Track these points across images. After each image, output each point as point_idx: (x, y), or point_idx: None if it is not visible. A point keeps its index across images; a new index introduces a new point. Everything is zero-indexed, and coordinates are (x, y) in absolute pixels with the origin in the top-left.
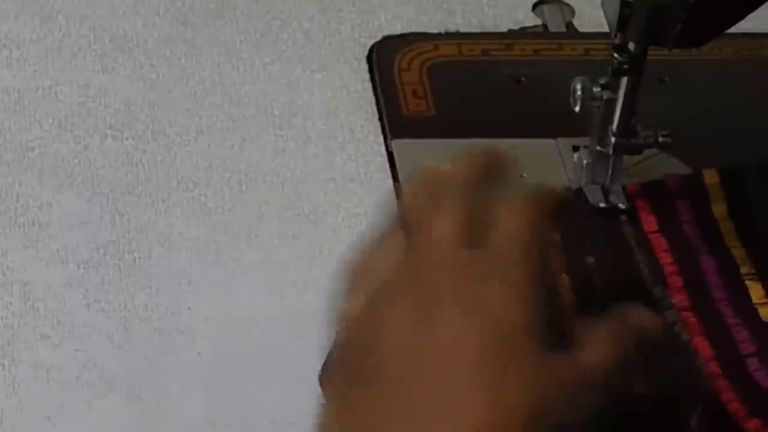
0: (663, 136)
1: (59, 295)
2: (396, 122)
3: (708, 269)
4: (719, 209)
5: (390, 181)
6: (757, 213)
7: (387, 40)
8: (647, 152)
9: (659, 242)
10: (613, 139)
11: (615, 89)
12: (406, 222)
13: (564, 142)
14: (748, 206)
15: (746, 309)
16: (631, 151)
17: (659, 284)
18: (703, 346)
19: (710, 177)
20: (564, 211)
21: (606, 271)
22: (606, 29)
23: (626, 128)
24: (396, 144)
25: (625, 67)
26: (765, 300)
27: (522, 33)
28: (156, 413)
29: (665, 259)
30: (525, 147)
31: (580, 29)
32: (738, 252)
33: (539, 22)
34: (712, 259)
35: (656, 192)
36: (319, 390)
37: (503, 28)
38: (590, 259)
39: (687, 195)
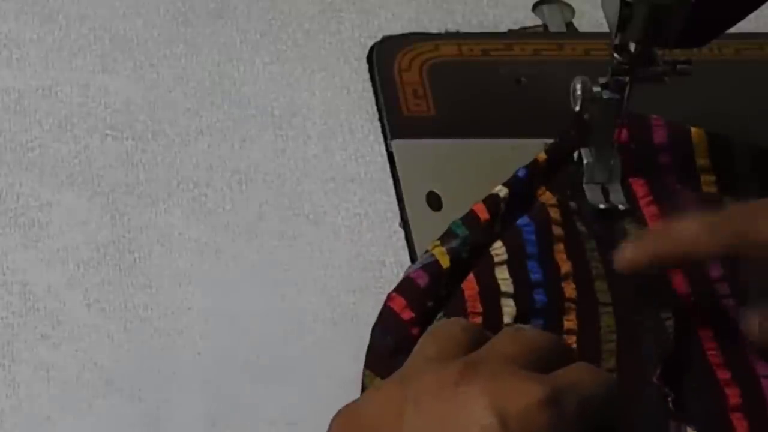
0: (681, 63)
1: (59, 295)
2: (396, 122)
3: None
4: (702, 162)
5: (390, 181)
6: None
7: (387, 40)
8: None
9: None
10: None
11: (615, 89)
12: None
13: None
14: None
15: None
16: (648, 80)
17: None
18: (679, 284)
19: (697, 135)
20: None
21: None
22: (606, 29)
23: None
24: (396, 144)
25: (626, 67)
26: None
27: (522, 33)
28: (156, 413)
29: (640, 192)
30: (525, 147)
31: (580, 29)
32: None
33: (539, 22)
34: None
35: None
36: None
37: (503, 28)
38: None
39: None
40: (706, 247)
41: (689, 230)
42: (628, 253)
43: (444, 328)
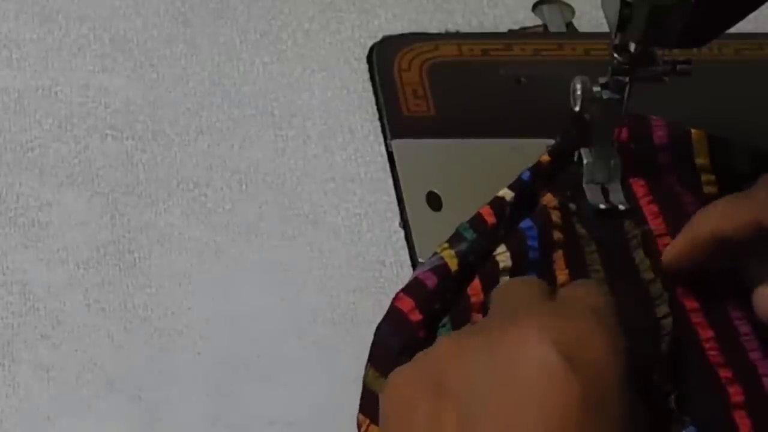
0: (681, 63)
1: (59, 295)
2: (396, 122)
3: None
4: (702, 162)
5: (390, 181)
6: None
7: (387, 40)
8: None
9: (638, 188)
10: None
11: (615, 89)
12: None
13: None
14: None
15: None
16: (648, 80)
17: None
18: (684, 293)
19: (697, 135)
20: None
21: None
22: (606, 29)
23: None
24: (396, 144)
25: (626, 67)
26: None
27: (522, 33)
28: (156, 413)
29: (640, 192)
30: (525, 147)
31: (580, 29)
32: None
33: (539, 22)
34: (690, 195)
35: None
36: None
37: (503, 28)
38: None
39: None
40: (734, 221)
41: (716, 209)
42: (670, 250)
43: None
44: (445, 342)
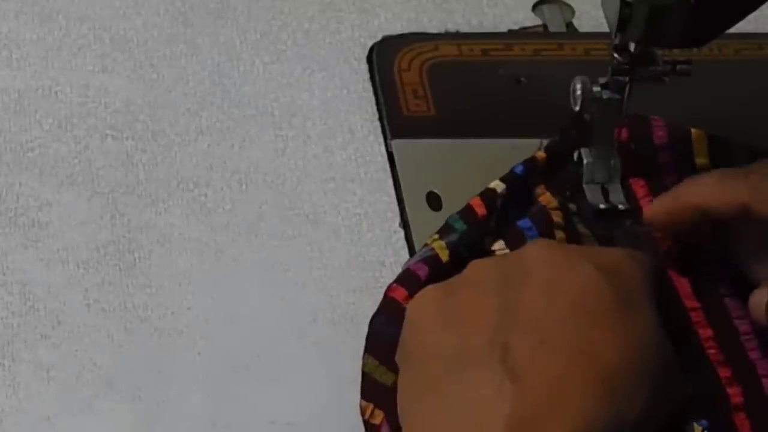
0: (681, 63)
1: (59, 295)
2: (396, 122)
3: None
4: (702, 162)
5: (390, 181)
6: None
7: (387, 40)
8: None
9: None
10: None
11: (615, 89)
12: None
13: None
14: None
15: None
16: (648, 80)
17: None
18: (681, 283)
19: (697, 135)
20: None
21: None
22: (606, 29)
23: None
24: (396, 144)
25: (626, 67)
26: None
27: (522, 33)
28: (156, 413)
29: (640, 192)
30: (525, 147)
31: (580, 29)
32: None
33: (539, 22)
34: None
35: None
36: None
37: (503, 28)
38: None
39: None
40: (721, 199)
41: (705, 184)
42: (653, 209)
43: None
44: (474, 263)
